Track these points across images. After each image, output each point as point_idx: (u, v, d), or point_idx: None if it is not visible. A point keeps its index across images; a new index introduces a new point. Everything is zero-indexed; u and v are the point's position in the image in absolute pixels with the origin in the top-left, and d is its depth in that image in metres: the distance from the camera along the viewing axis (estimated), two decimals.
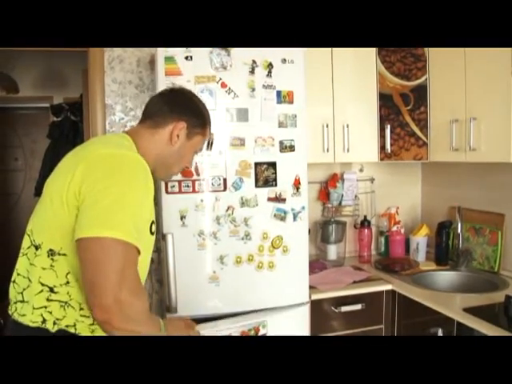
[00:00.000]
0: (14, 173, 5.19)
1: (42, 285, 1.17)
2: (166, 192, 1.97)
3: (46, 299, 1.16)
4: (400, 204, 3.02)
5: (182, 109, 1.41)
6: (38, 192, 3.90)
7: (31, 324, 1.17)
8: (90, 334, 1.18)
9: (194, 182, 1.98)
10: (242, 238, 2.00)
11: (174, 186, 1.97)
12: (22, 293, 1.21)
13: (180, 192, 1.98)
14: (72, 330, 1.17)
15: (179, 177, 1.96)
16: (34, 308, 1.17)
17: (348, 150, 2.56)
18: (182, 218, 1.98)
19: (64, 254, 1.16)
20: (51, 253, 1.16)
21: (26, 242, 1.24)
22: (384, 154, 2.65)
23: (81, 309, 1.17)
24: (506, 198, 2.48)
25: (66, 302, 1.17)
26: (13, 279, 1.25)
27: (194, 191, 1.99)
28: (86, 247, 1.08)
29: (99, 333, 1.17)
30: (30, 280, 1.19)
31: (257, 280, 2.09)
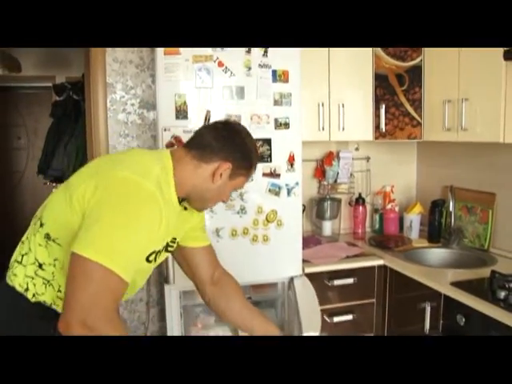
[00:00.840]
0: (17, 151, 5.26)
1: (35, 258, 1.23)
2: None
3: (34, 272, 1.23)
4: (395, 183, 3.07)
5: (231, 150, 1.35)
6: (41, 170, 3.97)
7: (18, 287, 1.23)
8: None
9: None
10: (238, 212, 2.07)
11: None
12: (23, 255, 1.26)
13: None
14: (48, 305, 1.23)
15: None
16: (25, 275, 1.23)
17: (343, 129, 2.61)
18: None
19: (58, 244, 1.21)
20: (47, 236, 1.22)
21: (39, 211, 1.30)
22: (379, 133, 2.70)
23: (59, 291, 1.23)
24: (497, 178, 2.54)
25: (48, 281, 1.22)
26: (22, 240, 1.31)
27: None
28: (73, 262, 1.09)
29: None
30: (30, 249, 1.25)
31: (252, 252, 2.17)
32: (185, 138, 2.00)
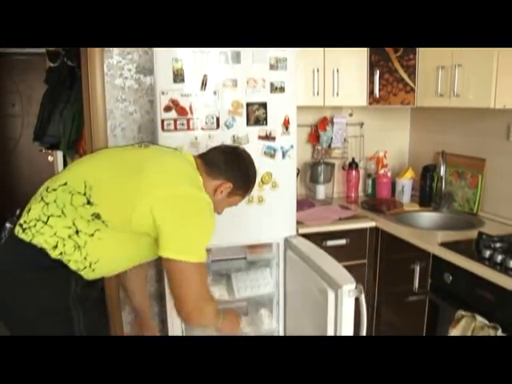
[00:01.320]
0: (12, 118, 5.23)
1: (74, 224, 1.39)
2: (162, 130, 2.07)
3: (68, 235, 1.38)
4: (388, 148, 3.13)
5: (235, 173, 1.61)
6: (37, 137, 3.96)
7: (42, 244, 1.37)
8: (76, 268, 1.40)
9: (188, 120, 2.08)
10: None
11: (169, 124, 2.07)
12: (48, 216, 1.39)
13: (175, 130, 2.08)
14: (60, 259, 1.38)
15: (175, 115, 2.06)
16: (55, 234, 1.37)
17: (337, 94, 2.65)
18: None
19: (106, 225, 1.40)
20: (97, 216, 1.39)
21: (77, 185, 1.42)
22: (372, 99, 2.73)
23: (84, 258, 1.40)
24: (487, 144, 2.60)
25: (79, 246, 1.39)
26: (46, 201, 1.42)
27: (188, 129, 2.09)
28: (174, 267, 1.40)
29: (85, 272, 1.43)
30: (63, 213, 1.39)
31: (247, 213, 2.22)
32: (182, 102, 2.05)
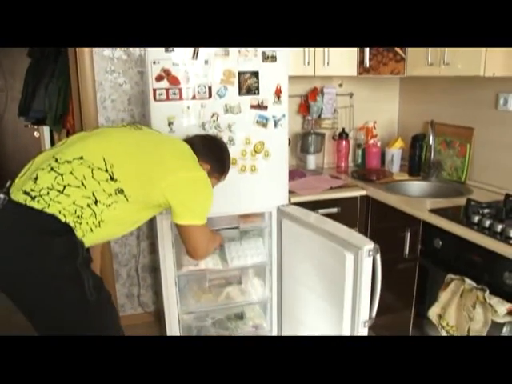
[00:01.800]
0: None
1: (93, 195, 1.53)
2: (154, 99, 2.06)
3: (87, 204, 1.53)
4: (377, 118, 3.14)
5: (211, 156, 1.88)
6: (22, 112, 3.90)
7: (61, 211, 1.49)
8: (80, 234, 1.54)
9: (180, 89, 2.07)
10: (226, 143, 2.11)
11: (161, 94, 2.06)
12: (64, 186, 1.51)
13: (167, 99, 2.07)
14: (72, 226, 1.52)
15: (166, 85, 2.05)
16: (74, 203, 1.51)
17: (328, 64, 2.64)
18: (170, 124, 2.09)
19: (127, 199, 1.58)
20: (120, 191, 1.57)
21: (96, 161, 1.56)
22: (362, 69, 2.73)
23: (98, 225, 1.56)
24: (475, 113, 2.62)
25: (95, 214, 1.54)
26: (59, 171, 1.53)
27: (180, 98, 2.08)
28: (188, 229, 1.73)
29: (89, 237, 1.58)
30: (83, 184, 1.53)
31: (240, 182, 2.24)
32: (174, 71, 2.04)
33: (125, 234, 1.85)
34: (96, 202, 1.54)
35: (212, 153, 1.89)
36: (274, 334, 2.57)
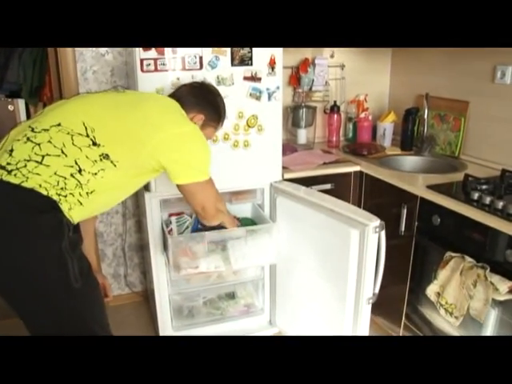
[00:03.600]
0: None
1: (76, 163, 1.40)
2: (142, 70, 1.93)
3: (70, 174, 1.39)
4: (369, 91, 3.07)
5: (205, 104, 1.76)
6: None
7: (41, 184, 1.34)
8: (67, 208, 1.40)
9: (169, 59, 1.95)
10: None
11: (149, 65, 1.93)
12: (43, 156, 1.37)
13: (156, 70, 1.94)
14: (56, 200, 1.38)
15: (155, 54, 1.92)
16: (55, 173, 1.37)
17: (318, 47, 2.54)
18: None
19: (114, 165, 1.45)
20: (106, 156, 1.44)
21: (75, 126, 1.43)
22: None
23: (86, 195, 1.43)
24: (471, 86, 2.55)
25: (81, 184, 1.41)
26: (36, 141, 1.40)
27: (169, 69, 1.96)
28: (191, 188, 1.62)
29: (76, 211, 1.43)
30: (63, 153, 1.39)
31: (233, 158, 2.15)
32: None
33: (119, 202, 1.76)
34: (80, 171, 1.40)
35: (204, 101, 1.77)
36: (267, 312, 2.52)
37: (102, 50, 2.51)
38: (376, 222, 1.83)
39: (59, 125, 1.43)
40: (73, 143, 1.41)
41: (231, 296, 2.53)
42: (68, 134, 1.42)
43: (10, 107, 4.66)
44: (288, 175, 2.35)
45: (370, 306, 1.94)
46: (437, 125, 2.75)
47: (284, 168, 2.36)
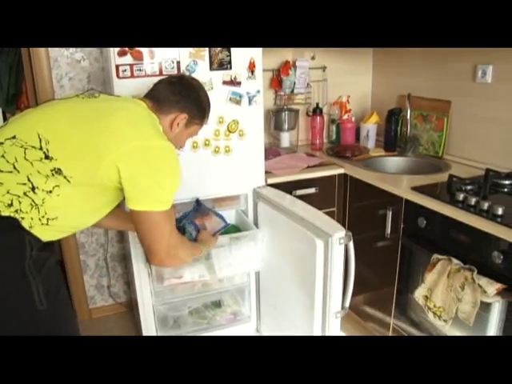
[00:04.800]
0: None
1: (29, 180, 1.28)
2: (118, 77, 1.88)
3: (23, 192, 1.27)
4: (351, 92, 3.04)
5: (187, 102, 1.56)
6: None
7: None
8: (27, 226, 1.29)
9: (146, 65, 1.90)
10: None
11: (125, 71, 1.88)
12: None
13: (132, 76, 1.89)
14: (19, 220, 1.27)
15: (131, 60, 1.87)
16: (7, 192, 1.26)
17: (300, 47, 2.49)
18: None
19: (68, 181, 1.30)
20: (58, 171, 1.29)
21: (29, 138, 1.30)
22: None
23: (42, 216, 1.30)
24: (453, 86, 2.54)
25: (36, 205, 1.28)
26: None
27: (146, 75, 1.91)
28: (144, 217, 1.38)
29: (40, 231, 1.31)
30: (15, 168, 1.27)
31: (214, 164, 2.10)
32: None
33: (88, 225, 1.53)
34: (33, 189, 1.27)
35: (185, 98, 1.56)
36: (253, 320, 2.48)
37: (78, 56, 2.45)
38: (341, 232, 1.75)
39: (14, 137, 1.31)
40: (25, 157, 1.29)
41: (217, 304, 2.48)
42: (21, 147, 1.30)
43: None
44: (271, 180, 2.31)
45: (339, 320, 1.85)
46: (420, 125, 2.73)
47: (267, 173, 2.33)
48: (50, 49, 2.39)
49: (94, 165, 1.31)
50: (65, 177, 1.30)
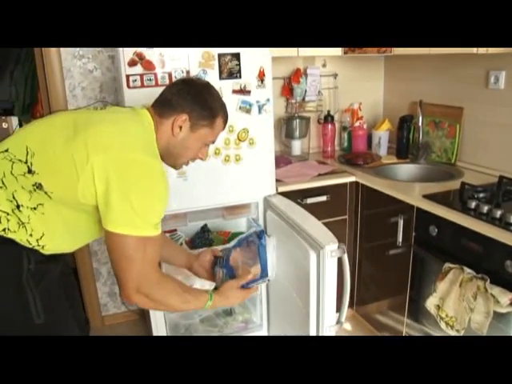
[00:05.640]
0: None
1: (13, 197, 1.22)
2: (128, 87, 1.90)
3: (11, 209, 1.21)
4: (362, 100, 3.03)
5: (186, 102, 1.40)
6: None
7: None
8: (24, 239, 1.24)
9: (156, 74, 1.91)
10: None
11: (135, 81, 1.89)
12: None
13: (142, 86, 1.91)
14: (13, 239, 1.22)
15: (141, 70, 1.89)
16: None
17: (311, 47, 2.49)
18: None
19: (50, 197, 1.23)
20: (39, 186, 1.22)
21: (18, 152, 1.25)
22: (348, 48, 2.60)
23: (30, 235, 1.23)
24: (465, 92, 2.52)
25: (23, 223, 1.22)
26: None
27: (156, 85, 1.92)
28: (115, 240, 1.21)
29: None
30: (4, 184, 1.23)
31: (224, 173, 2.11)
32: (147, 55, 1.88)
33: (81, 246, 1.42)
34: (18, 207, 1.20)
35: (183, 96, 1.41)
36: (265, 328, 2.47)
37: (90, 66, 2.48)
38: (333, 245, 1.70)
39: (6, 150, 1.26)
40: (11, 172, 1.23)
41: (228, 312, 2.48)
42: (10, 160, 1.24)
43: (4, 125, 4.66)
44: (282, 188, 2.31)
45: (334, 334, 1.82)
46: (432, 132, 2.71)
47: (278, 181, 2.33)
48: (63, 59, 2.43)
49: (71, 179, 1.21)
50: (46, 192, 1.23)
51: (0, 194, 1.22)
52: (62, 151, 1.23)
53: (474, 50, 2.03)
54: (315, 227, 1.88)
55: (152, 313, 2.22)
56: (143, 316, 2.86)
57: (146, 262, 1.26)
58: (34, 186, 1.22)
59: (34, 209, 1.22)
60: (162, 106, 1.42)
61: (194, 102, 1.41)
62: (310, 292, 1.79)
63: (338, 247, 1.71)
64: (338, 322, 1.80)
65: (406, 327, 2.28)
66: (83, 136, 1.23)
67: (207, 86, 1.48)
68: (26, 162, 1.24)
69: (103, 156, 1.20)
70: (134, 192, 1.21)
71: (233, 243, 1.92)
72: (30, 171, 1.23)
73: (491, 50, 2.03)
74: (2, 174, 1.23)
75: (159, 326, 2.25)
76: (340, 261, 1.73)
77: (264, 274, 1.75)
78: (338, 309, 1.80)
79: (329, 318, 1.78)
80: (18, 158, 1.24)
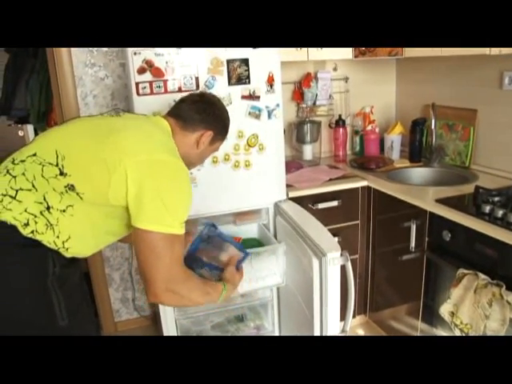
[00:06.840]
0: None
1: (44, 199, 1.26)
2: (138, 94, 1.90)
3: (40, 211, 1.25)
4: (374, 103, 3.01)
5: (211, 120, 1.58)
6: (3, 111, 3.73)
7: (12, 221, 1.23)
8: (52, 241, 1.28)
9: (165, 82, 1.92)
10: None
11: (145, 88, 1.90)
12: (17, 190, 1.26)
13: (152, 93, 1.91)
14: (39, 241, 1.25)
15: (150, 77, 1.90)
16: (25, 210, 1.24)
17: (321, 47, 2.49)
18: None
19: (81, 198, 1.29)
20: (71, 187, 1.28)
21: (47, 155, 1.31)
22: (358, 51, 2.59)
23: (57, 237, 1.28)
24: (478, 94, 2.48)
25: (51, 225, 1.26)
26: (13, 174, 1.29)
27: (166, 92, 1.92)
28: (145, 238, 1.30)
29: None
30: (34, 186, 1.27)
31: (235, 179, 2.10)
32: (157, 62, 1.89)
33: (101, 248, 1.50)
34: (48, 208, 1.25)
35: (209, 116, 1.58)
36: (276, 334, 2.46)
37: (102, 74, 2.50)
38: (335, 253, 1.68)
39: (35, 155, 1.32)
40: (42, 174, 1.28)
41: (240, 318, 2.47)
42: (40, 164, 1.30)
43: (20, 133, 4.71)
44: (293, 193, 2.30)
45: None
46: (445, 135, 2.68)
47: (289, 186, 2.31)
48: (74, 67, 2.45)
49: (103, 180, 1.29)
50: (77, 193, 1.28)
51: (29, 196, 1.26)
52: (92, 155, 1.31)
53: (487, 50, 2.00)
54: (320, 234, 1.87)
55: (163, 319, 2.21)
56: (155, 322, 2.86)
57: (174, 259, 1.34)
58: (66, 187, 1.28)
59: (64, 211, 1.28)
60: (185, 121, 1.55)
61: (218, 120, 1.63)
62: (313, 299, 1.78)
63: (341, 255, 1.70)
64: (343, 330, 1.79)
65: (421, 333, 2.25)
66: (113, 140, 1.33)
67: (223, 105, 1.69)
68: (56, 165, 1.29)
69: (135, 159, 1.30)
70: (165, 191, 1.31)
71: (193, 246, 1.89)
72: (61, 173, 1.29)
73: (504, 51, 2.00)
74: (33, 177, 1.28)
75: (171, 332, 2.25)
76: (344, 268, 1.72)
77: (242, 251, 1.84)
78: (344, 317, 1.78)
79: (333, 327, 1.76)
80: (48, 162, 1.30)
